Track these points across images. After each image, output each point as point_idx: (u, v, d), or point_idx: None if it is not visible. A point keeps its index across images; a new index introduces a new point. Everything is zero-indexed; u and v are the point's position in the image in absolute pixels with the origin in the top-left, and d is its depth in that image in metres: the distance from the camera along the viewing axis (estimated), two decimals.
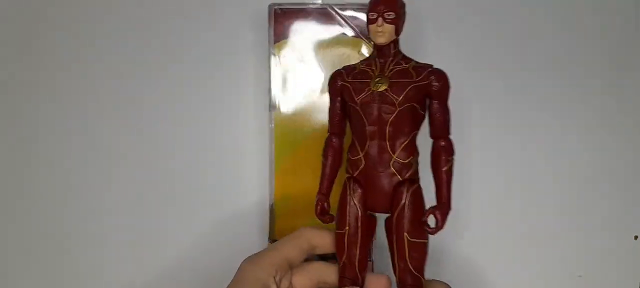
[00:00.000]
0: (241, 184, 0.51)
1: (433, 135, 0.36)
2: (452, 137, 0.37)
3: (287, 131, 0.46)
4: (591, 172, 0.57)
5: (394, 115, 0.35)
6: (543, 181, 0.56)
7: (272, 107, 0.46)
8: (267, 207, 0.46)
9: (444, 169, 0.35)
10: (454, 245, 0.54)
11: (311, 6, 0.46)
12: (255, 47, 0.50)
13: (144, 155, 0.50)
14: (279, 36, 0.46)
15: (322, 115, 0.45)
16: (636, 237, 0.57)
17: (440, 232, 0.35)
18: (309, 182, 0.41)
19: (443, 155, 0.36)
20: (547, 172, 0.56)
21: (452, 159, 0.36)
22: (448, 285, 0.37)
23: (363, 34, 0.46)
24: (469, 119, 0.53)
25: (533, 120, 0.56)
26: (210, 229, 0.50)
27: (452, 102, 0.37)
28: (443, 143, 0.36)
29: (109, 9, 0.50)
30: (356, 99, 0.36)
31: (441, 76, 0.35)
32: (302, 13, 0.46)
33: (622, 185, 0.57)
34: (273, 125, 0.46)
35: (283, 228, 0.45)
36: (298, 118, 0.46)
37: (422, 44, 0.52)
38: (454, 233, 0.53)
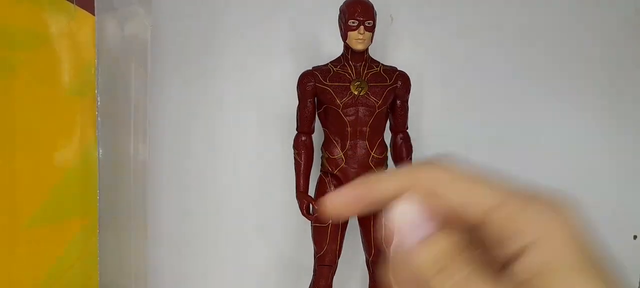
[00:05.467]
0: None
1: (395, 129, 0.41)
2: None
3: None
4: (590, 171, 0.57)
5: (374, 116, 0.38)
6: (542, 180, 0.56)
7: None
8: None
9: (408, 158, 0.40)
10: None
11: None
12: None
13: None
14: None
15: None
16: (635, 237, 0.57)
17: None
18: None
19: (405, 145, 0.40)
20: (546, 171, 0.57)
21: (412, 148, 0.40)
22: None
23: None
24: (471, 118, 0.55)
25: (532, 119, 0.57)
26: None
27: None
28: (404, 135, 0.40)
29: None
30: (339, 102, 0.39)
31: (407, 78, 0.39)
32: None
33: (622, 185, 0.57)
34: None
35: None
36: None
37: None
38: None
